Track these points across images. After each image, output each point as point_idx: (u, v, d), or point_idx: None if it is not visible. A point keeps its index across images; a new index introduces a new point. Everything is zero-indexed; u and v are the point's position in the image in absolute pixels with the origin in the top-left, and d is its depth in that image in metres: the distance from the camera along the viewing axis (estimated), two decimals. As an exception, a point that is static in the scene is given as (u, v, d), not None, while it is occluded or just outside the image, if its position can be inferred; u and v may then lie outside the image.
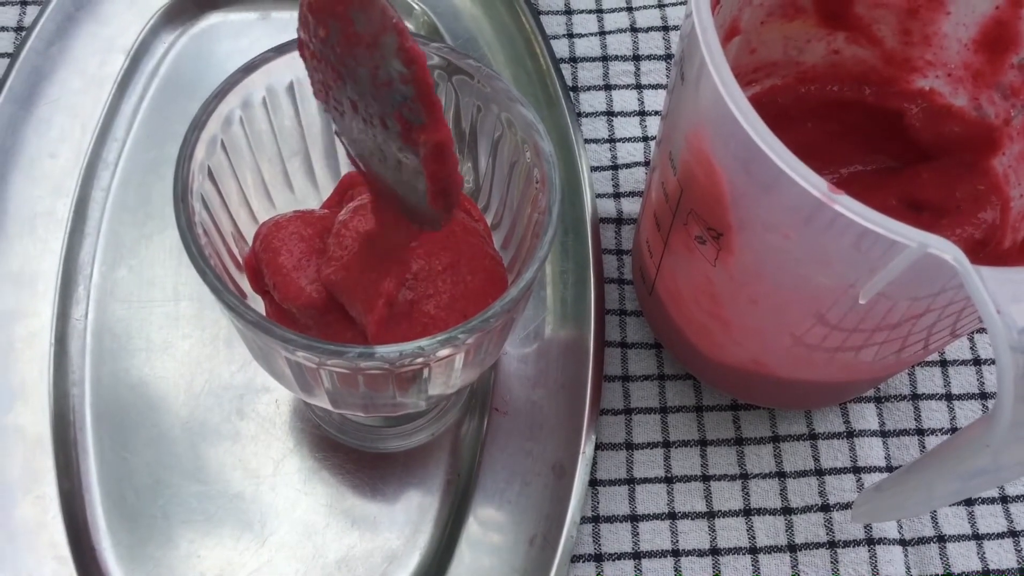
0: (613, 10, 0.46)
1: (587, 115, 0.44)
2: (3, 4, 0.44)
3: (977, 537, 0.37)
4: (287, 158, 0.32)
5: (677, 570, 0.36)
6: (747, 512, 0.37)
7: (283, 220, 0.31)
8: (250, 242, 0.31)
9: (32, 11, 0.44)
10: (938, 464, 0.28)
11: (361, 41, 0.22)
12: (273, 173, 0.32)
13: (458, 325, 0.26)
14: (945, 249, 0.22)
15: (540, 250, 0.27)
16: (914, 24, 0.34)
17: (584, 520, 0.36)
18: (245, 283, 0.31)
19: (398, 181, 0.25)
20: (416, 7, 0.44)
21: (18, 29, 0.44)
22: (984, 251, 0.34)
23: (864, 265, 0.24)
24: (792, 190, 0.23)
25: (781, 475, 0.37)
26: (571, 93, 0.44)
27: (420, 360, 0.26)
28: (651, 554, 0.36)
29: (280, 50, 0.29)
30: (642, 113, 0.44)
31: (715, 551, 0.36)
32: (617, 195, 0.42)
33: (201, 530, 0.35)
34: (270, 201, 0.33)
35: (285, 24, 0.43)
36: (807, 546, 0.36)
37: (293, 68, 0.29)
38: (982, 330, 0.40)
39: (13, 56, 0.41)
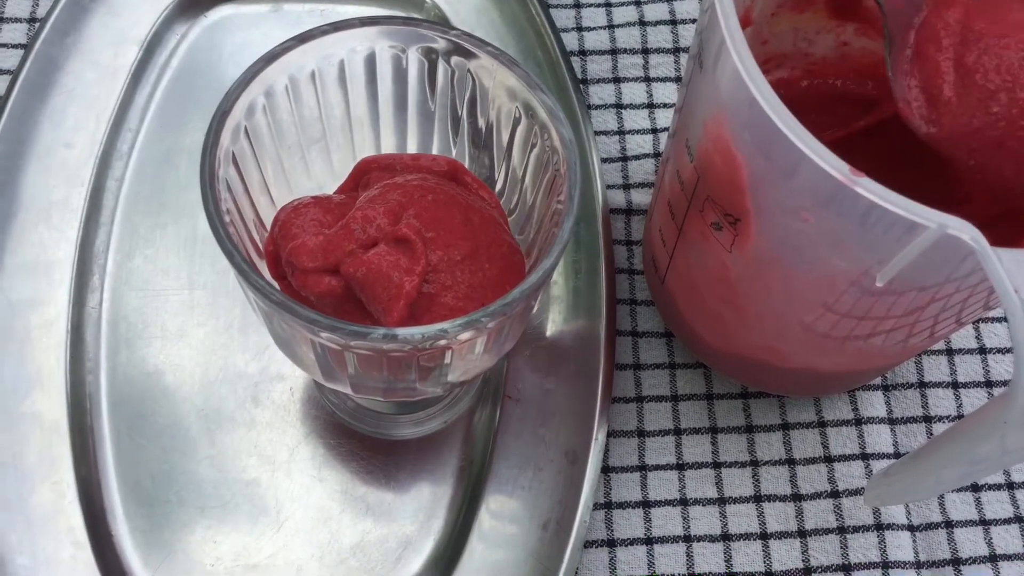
0: (622, 4, 0.46)
1: (596, 107, 0.44)
2: (16, -5, 0.44)
3: (984, 523, 0.37)
4: (306, 145, 0.33)
5: (689, 555, 0.36)
6: (757, 498, 0.37)
7: (301, 206, 0.31)
8: (269, 228, 0.32)
9: (45, 2, 0.44)
10: (946, 448, 0.29)
11: None
12: (292, 160, 0.32)
13: (479, 309, 0.26)
14: (963, 229, 0.22)
15: (561, 236, 0.27)
16: (923, 16, 0.34)
17: (597, 506, 0.37)
18: (264, 270, 0.31)
19: None
20: (427, 0, 0.44)
21: (31, 20, 0.44)
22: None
23: (883, 246, 0.24)
24: (813, 173, 0.23)
25: (791, 462, 0.38)
26: (581, 85, 0.44)
27: (443, 343, 0.26)
28: (663, 539, 0.36)
29: (303, 38, 0.29)
30: (651, 105, 0.44)
31: (726, 536, 0.37)
32: (627, 186, 0.43)
33: (217, 516, 0.36)
34: (288, 187, 0.33)
35: (297, 16, 0.44)
36: (817, 532, 0.37)
37: (315, 57, 0.30)
38: (987, 319, 0.41)
39: (28, 47, 0.41)
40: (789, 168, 0.24)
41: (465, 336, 0.27)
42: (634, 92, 0.44)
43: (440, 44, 0.30)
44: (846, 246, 0.25)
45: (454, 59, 0.31)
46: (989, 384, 0.40)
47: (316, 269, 0.30)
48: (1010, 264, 0.22)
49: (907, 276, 0.25)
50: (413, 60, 0.31)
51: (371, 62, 0.31)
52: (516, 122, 0.31)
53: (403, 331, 0.25)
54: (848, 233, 0.24)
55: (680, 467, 0.38)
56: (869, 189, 0.22)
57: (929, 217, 0.22)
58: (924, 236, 0.23)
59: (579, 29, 0.45)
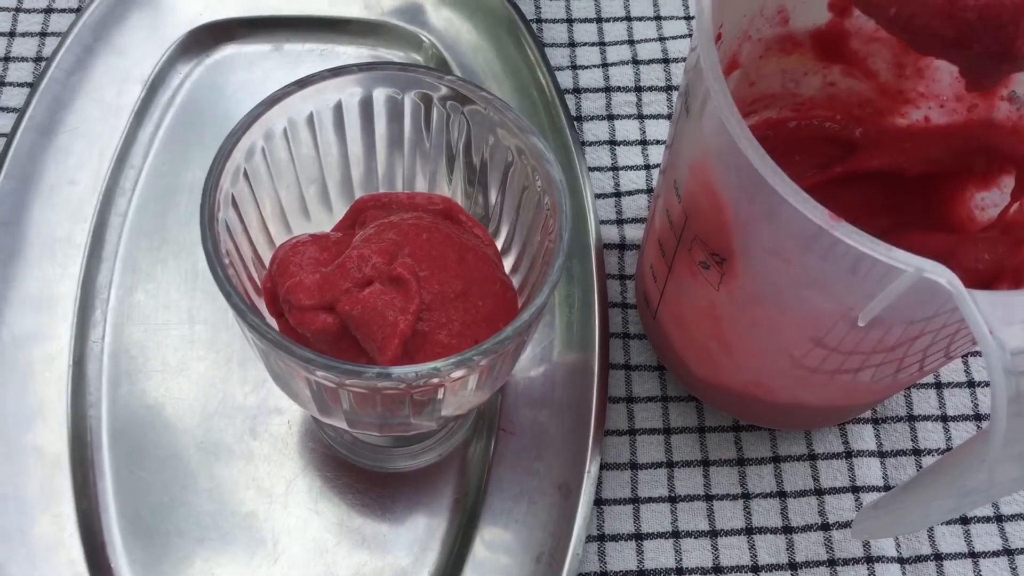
0: (615, 43, 0.47)
1: (590, 144, 0.45)
2: (23, 35, 0.45)
3: (973, 555, 0.38)
4: (304, 185, 0.33)
5: (681, 587, 0.37)
6: (749, 531, 0.38)
7: (299, 244, 0.32)
8: (267, 266, 0.32)
9: (51, 42, 0.45)
10: (935, 481, 0.29)
11: None
12: (290, 200, 0.33)
13: (472, 347, 0.27)
14: (940, 274, 0.23)
15: (551, 275, 0.28)
16: (907, 58, 0.35)
17: (590, 538, 0.37)
18: (263, 307, 0.32)
19: None
20: (425, 40, 0.45)
21: (37, 59, 0.45)
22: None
23: (863, 289, 0.25)
24: (794, 218, 0.24)
25: (782, 495, 0.38)
26: (575, 123, 0.45)
27: (435, 380, 0.27)
28: (656, 572, 0.37)
29: (302, 83, 0.30)
30: (644, 142, 0.45)
31: (718, 569, 0.37)
32: (620, 221, 0.43)
33: (215, 548, 0.36)
34: (287, 226, 0.34)
35: (297, 55, 0.45)
36: (808, 564, 0.37)
37: (313, 101, 0.31)
38: (976, 353, 0.41)
39: (34, 85, 0.42)
40: (771, 212, 0.25)
41: (458, 374, 0.27)
42: (627, 129, 0.45)
43: (436, 89, 0.31)
44: (828, 288, 0.26)
45: (449, 103, 0.31)
46: (978, 417, 0.40)
47: (312, 307, 0.30)
48: (985, 306, 0.23)
49: (888, 316, 0.26)
50: (409, 103, 0.32)
51: (367, 104, 0.32)
52: (509, 164, 0.32)
53: (397, 370, 0.26)
54: (829, 275, 0.25)
55: (672, 499, 0.38)
56: (847, 234, 0.23)
57: (906, 261, 0.23)
58: (901, 280, 0.23)
59: (573, 67, 0.46)
